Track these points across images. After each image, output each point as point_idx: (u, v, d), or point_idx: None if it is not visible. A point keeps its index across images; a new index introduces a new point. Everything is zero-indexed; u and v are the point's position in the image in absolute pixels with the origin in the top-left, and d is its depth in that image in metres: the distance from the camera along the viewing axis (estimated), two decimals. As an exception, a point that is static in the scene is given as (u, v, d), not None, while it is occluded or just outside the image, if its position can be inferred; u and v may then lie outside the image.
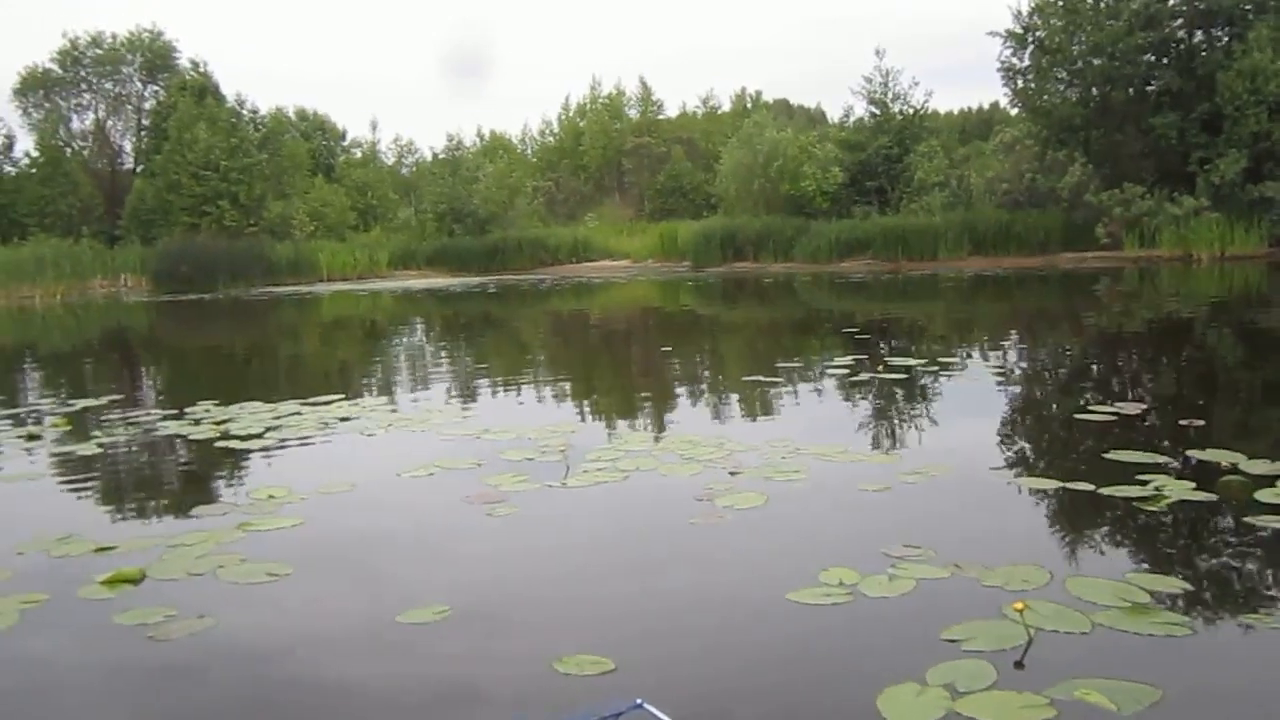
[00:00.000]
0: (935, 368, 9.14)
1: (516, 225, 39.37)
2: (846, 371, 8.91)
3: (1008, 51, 30.76)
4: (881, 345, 11.42)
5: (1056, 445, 6.23)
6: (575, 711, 2.66)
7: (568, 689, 2.88)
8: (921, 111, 34.54)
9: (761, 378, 8.89)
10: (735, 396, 8.35)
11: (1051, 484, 4.88)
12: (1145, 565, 3.76)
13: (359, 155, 53.45)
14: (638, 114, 49.99)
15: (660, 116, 50.23)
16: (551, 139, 53.35)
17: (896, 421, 6.95)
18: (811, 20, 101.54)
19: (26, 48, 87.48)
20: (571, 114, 52.34)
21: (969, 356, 10.38)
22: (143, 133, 45.01)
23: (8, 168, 42.79)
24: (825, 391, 8.24)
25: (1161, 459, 5.16)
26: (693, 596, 3.66)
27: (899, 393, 7.87)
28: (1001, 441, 6.24)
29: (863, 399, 7.75)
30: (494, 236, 38.01)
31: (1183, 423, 6.14)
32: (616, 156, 48.51)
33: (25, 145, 46.21)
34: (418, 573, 4.05)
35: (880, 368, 8.87)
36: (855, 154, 33.70)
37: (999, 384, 8.28)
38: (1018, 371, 9.32)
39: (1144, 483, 4.67)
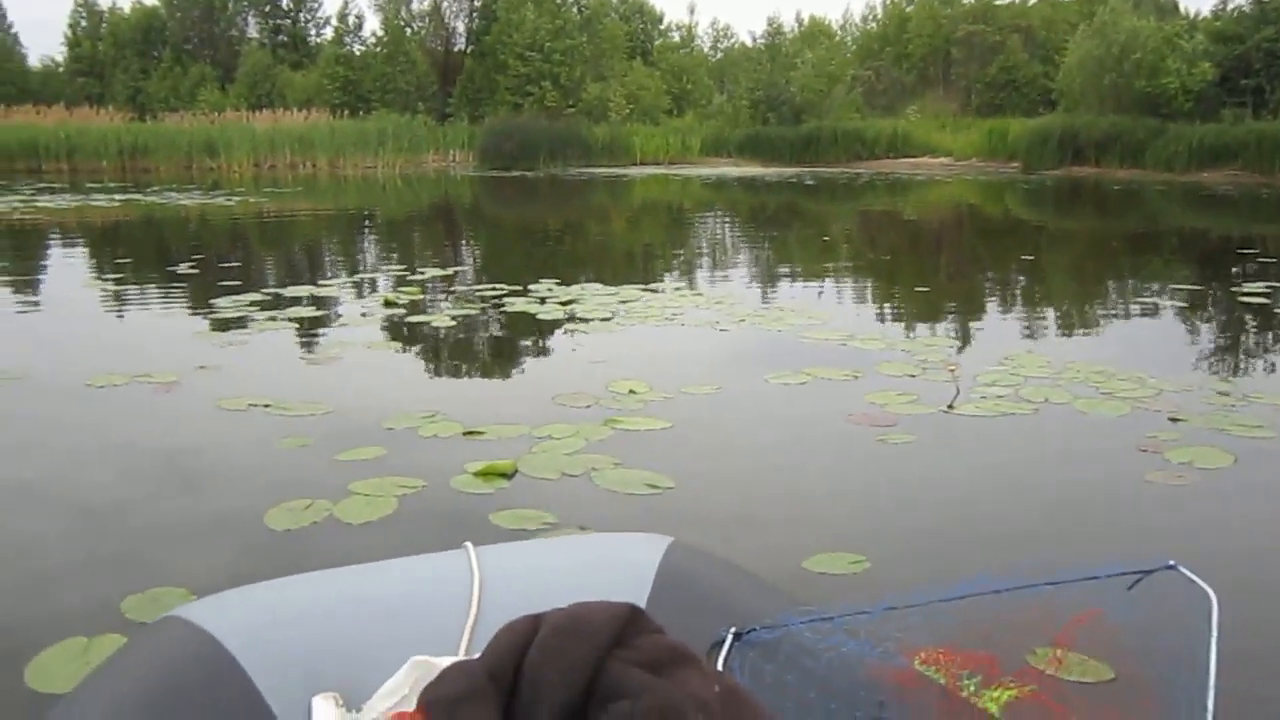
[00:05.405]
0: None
1: (832, 116, 37.75)
2: (1265, 300, 7.45)
3: None
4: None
5: None
6: (1102, 566, 1.99)
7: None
8: (1322, -2, 29.44)
9: (1160, 301, 7.64)
10: (1135, 320, 7.15)
11: None
12: None
13: (676, 39, 53.11)
14: (972, -1, 46.17)
15: (997, 2, 46.14)
16: (874, 25, 50.49)
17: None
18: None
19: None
20: (898, -2, 49.19)
21: None
22: (474, 14, 46.66)
23: (357, 47, 45.90)
24: (1248, 324, 6.89)
25: None
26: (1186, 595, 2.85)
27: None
28: None
29: (1303, 337, 6.39)
30: (808, 126, 36.65)
31: None
32: (944, 45, 45.13)
33: (372, 25, 49.29)
34: (813, 506, 3.47)
35: (1313, 298, 7.36)
36: (1230, 47, 29.27)
37: None
38: None
39: None
